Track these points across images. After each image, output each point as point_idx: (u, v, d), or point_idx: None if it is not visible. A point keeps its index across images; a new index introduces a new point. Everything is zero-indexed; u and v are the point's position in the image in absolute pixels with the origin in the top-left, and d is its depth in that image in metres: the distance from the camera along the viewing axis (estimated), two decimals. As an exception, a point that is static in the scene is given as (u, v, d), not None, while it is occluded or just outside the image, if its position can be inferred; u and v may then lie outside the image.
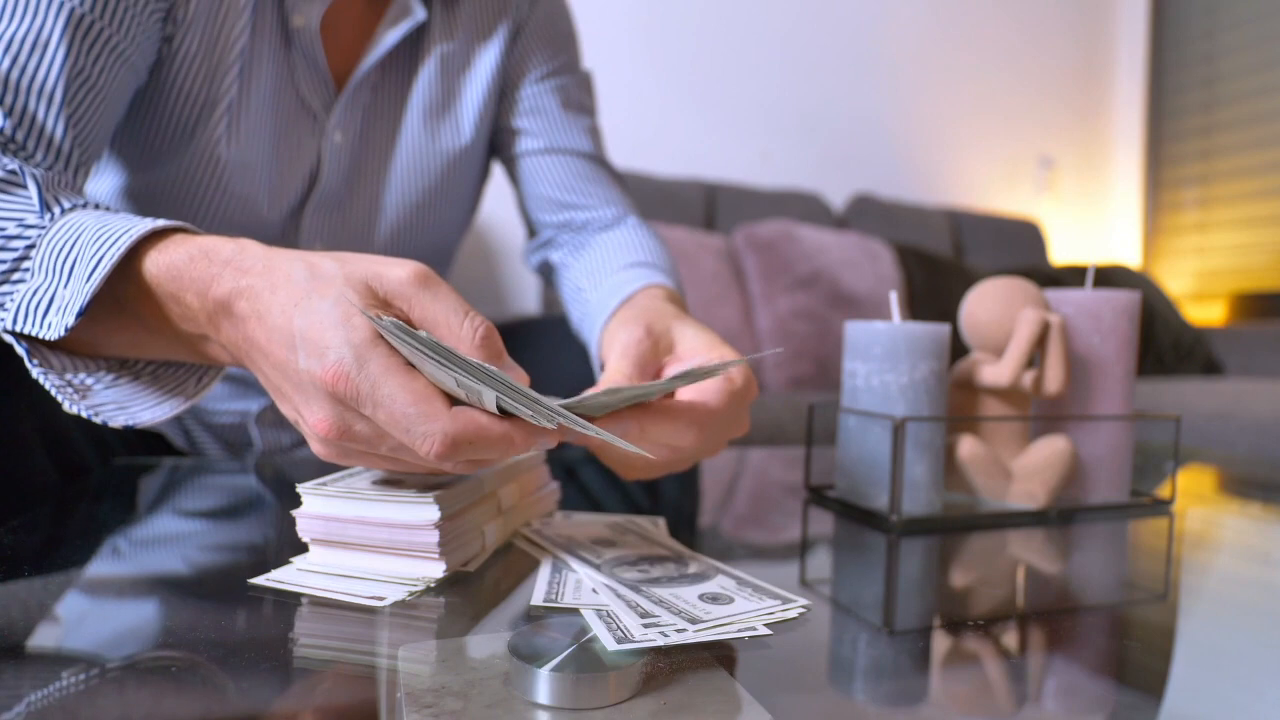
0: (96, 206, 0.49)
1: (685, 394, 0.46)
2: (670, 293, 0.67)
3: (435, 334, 0.37)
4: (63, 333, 0.42)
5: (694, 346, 0.50)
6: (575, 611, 0.35)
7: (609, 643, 0.30)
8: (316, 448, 0.38)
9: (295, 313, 0.36)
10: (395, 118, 0.76)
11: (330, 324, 0.35)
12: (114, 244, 0.42)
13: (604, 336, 0.62)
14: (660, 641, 0.31)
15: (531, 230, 0.87)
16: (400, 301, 0.37)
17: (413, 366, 0.35)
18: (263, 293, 0.38)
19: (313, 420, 0.36)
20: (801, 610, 0.36)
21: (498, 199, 1.35)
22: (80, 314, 0.42)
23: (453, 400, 0.35)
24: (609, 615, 0.34)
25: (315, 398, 0.36)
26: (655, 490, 0.65)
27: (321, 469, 0.40)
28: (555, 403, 0.35)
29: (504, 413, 0.35)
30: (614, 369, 0.48)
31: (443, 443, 0.34)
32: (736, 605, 0.36)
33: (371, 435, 0.36)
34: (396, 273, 0.37)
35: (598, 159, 0.84)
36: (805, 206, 2.32)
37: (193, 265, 0.41)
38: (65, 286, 0.43)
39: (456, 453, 0.34)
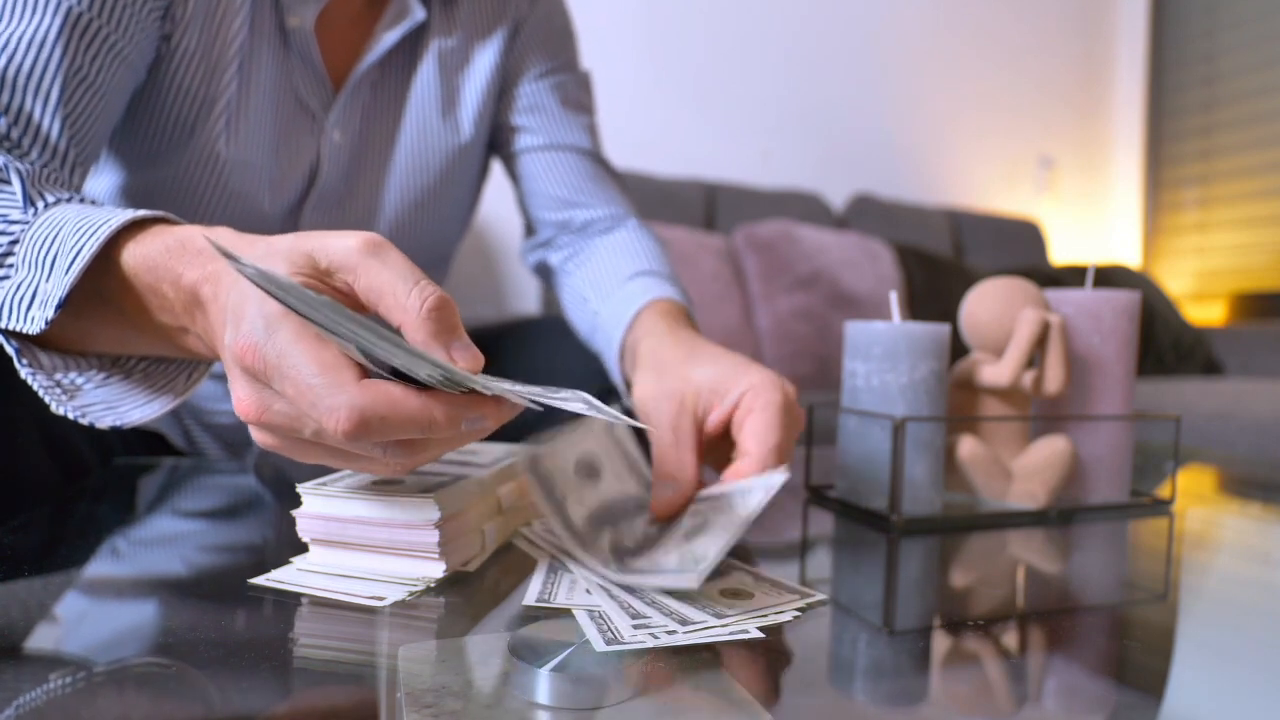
0: (82, 201, 0.48)
1: (744, 437, 0.46)
2: (675, 308, 0.67)
3: (381, 304, 0.34)
4: (44, 326, 0.42)
5: (716, 384, 0.49)
6: (568, 612, 0.35)
7: (598, 644, 0.30)
8: (255, 436, 0.36)
9: (231, 289, 0.35)
10: (395, 116, 0.76)
11: (252, 295, 0.33)
12: (92, 235, 0.41)
13: (627, 351, 0.64)
14: (650, 643, 0.31)
15: (530, 228, 0.87)
16: (345, 272, 0.34)
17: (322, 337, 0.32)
18: (223, 276, 0.37)
19: (235, 401, 0.34)
20: (821, 600, 0.37)
21: (497, 198, 1.35)
22: (59, 306, 0.41)
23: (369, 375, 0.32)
24: (600, 616, 0.34)
25: (235, 376, 0.34)
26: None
27: (321, 469, 0.40)
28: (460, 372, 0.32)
29: (423, 386, 0.32)
30: (668, 455, 0.47)
31: (349, 417, 0.30)
32: (758, 600, 0.36)
33: (290, 415, 0.33)
34: (343, 242, 0.34)
35: (597, 157, 0.84)
36: (805, 206, 2.32)
37: (169, 256, 0.40)
38: (47, 280, 0.42)
39: (368, 430, 0.31)
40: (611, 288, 0.75)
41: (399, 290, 0.33)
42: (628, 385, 0.58)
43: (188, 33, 0.63)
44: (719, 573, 0.40)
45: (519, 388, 0.33)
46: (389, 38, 0.71)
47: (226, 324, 0.34)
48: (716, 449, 0.50)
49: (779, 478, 0.40)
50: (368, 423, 0.31)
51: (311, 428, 0.33)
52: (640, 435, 0.55)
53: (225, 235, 0.40)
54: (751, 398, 0.47)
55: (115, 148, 0.68)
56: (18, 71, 0.53)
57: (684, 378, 0.50)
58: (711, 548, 0.36)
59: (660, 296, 0.69)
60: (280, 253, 0.35)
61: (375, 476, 0.43)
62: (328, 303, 0.30)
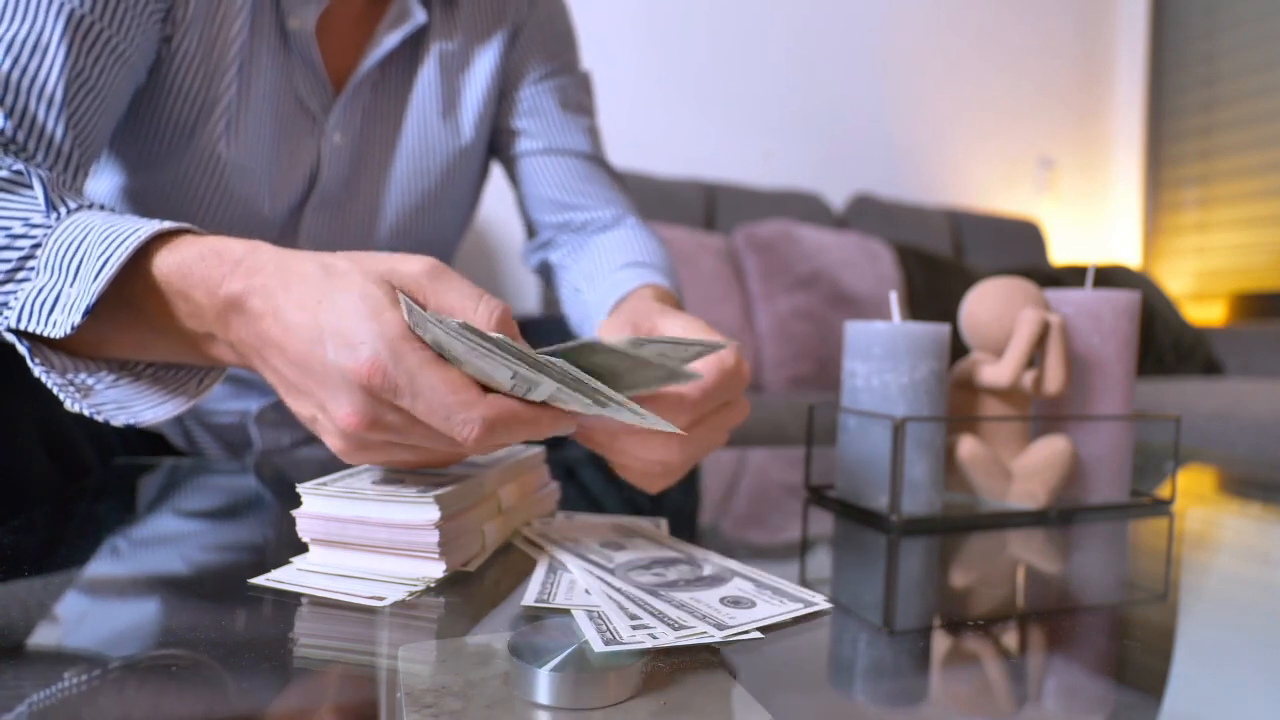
0: (102, 208, 0.49)
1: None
2: (661, 291, 0.67)
3: None
4: (69, 330, 0.42)
5: (679, 334, 0.50)
6: (567, 612, 0.35)
7: (597, 644, 0.30)
8: (334, 443, 0.39)
9: (319, 309, 0.37)
10: (395, 118, 0.76)
11: (359, 318, 0.36)
12: (123, 243, 0.42)
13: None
14: (649, 643, 0.31)
15: (531, 231, 0.87)
16: (415, 295, 0.38)
17: (442, 357, 0.36)
18: (277, 291, 0.39)
19: (340, 414, 0.37)
20: (824, 609, 0.36)
21: (498, 199, 1.35)
22: (87, 312, 0.42)
23: (481, 386, 0.37)
24: (599, 616, 0.34)
25: (344, 391, 0.36)
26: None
27: (321, 469, 0.40)
28: (595, 384, 0.37)
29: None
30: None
31: (482, 427, 0.36)
32: (759, 609, 0.36)
33: (402, 425, 0.37)
34: (409, 267, 0.38)
35: (597, 159, 0.84)
36: (805, 206, 2.32)
37: (204, 263, 0.41)
38: (71, 285, 0.43)
39: (493, 436, 0.36)
40: (601, 278, 0.75)
41: (467, 307, 0.38)
42: None
43: (188, 35, 0.63)
44: (721, 580, 0.40)
45: (630, 412, 0.37)
46: (390, 40, 0.71)
47: (324, 342, 0.36)
48: None
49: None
50: (494, 431, 0.36)
51: (419, 434, 0.37)
52: None
53: (265, 250, 0.41)
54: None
55: (115, 149, 0.68)
56: (21, 74, 0.53)
57: (648, 319, 0.51)
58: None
59: (649, 283, 0.69)
60: (354, 276, 0.37)
61: (375, 476, 0.43)
62: (529, 356, 0.35)
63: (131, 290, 0.43)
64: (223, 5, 0.64)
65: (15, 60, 0.53)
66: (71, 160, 0.55)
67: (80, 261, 0.43)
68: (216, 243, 0.42)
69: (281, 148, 0.70)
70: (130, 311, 0.45)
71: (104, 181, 0.71)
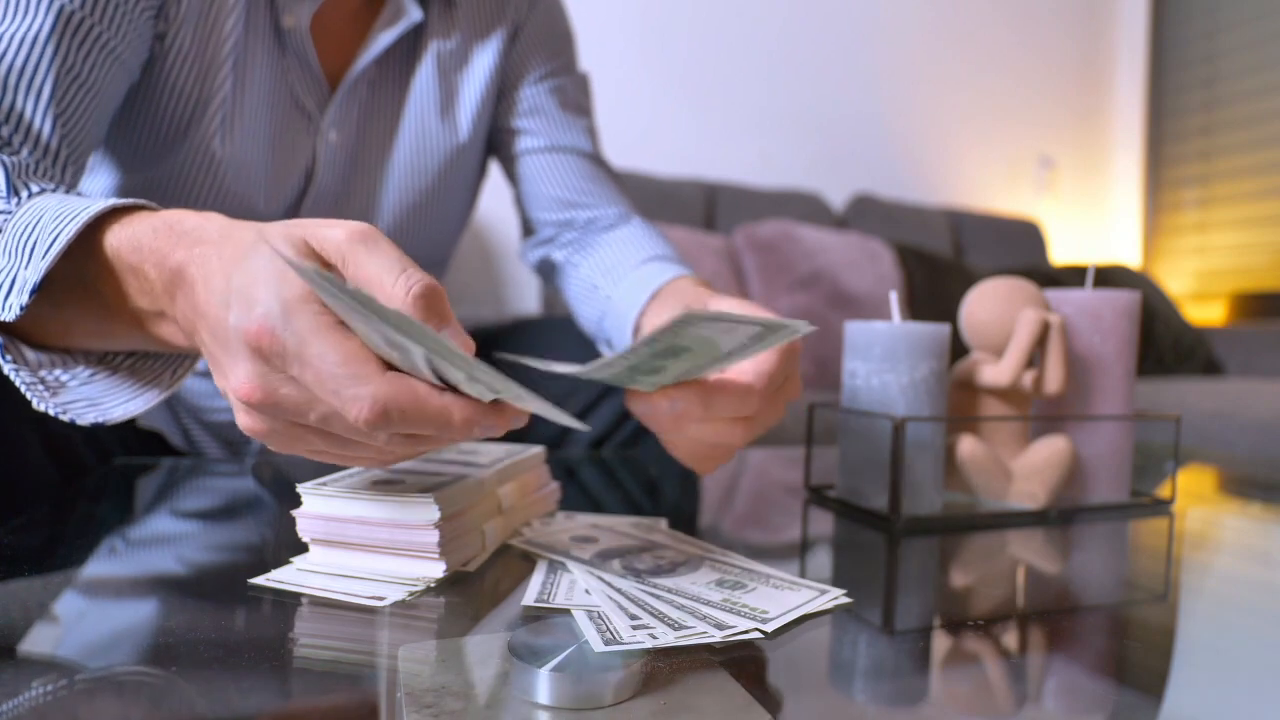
0: (68, 193, 0.48)
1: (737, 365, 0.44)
2: (700, 279, 0.68)
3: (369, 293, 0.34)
4: (19, 311, 0.41)
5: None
6: (567, 612, 0.35)
7: (596, 644, 0.30)
8: (242, 420, 0.35)
9: (233, 270, 0.34)
10: (392, 117, 0.76)
11: (263, 279, 0.33)
12: (72, 219, 0.41)
13: (642, 327, 0.61)
14: (649, 643, 0.31)
15: (529, 229, 0.87)
16: (335, 259, 0.35)
17: (347, 327, 0.33)
18: (211, 258, 0.36)
19: (236, 383, 0.34)
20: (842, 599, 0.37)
21: (497, 199, 1.35)
22: (34, 290, 0.41)
23: (390, 367, 0.33)
24: (599, 616, 0.34)
25: (240, 357, 0.33)
26: (655, 490, 0.65)
27: (321, 469, 0.40)
28: (499, 373, 0.32)
29: (446, 385, 0.33)
30: None
31: (372, 407, 0.31)
32: (787, 598, 0.36)
33: (299, 400, 0.33)
34: (334, 231, 0.35)
35: (597, 159, 0.84)
36: (805, 206, 2.32)
37: (155, 237, 0.39)
38: (26, 267, 0.42)
39: (388, 421, 0.32)
40: (624, 273, 0.74)
41: (385, 280, 0.34)
42: None
43: (181, 32, 0.63)
44: (724, 576, 0.40)
45: (539, 403, 0.33)
46: (385, 38, 0.71)
47: (230, 305, 0.33)
48: None
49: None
50: (389, 414, 0.31)
51: (320, 412, 0.33)
52: None
53: (216, 221, 0.39)
54: None
55: (110, 147, 0.68)
56: (9, 69, 0.53)
57: (699, 301, 0.49)
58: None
59: (679, 275, 0.69)
60: (279, 238, 0.35)
61: (375, 477, 0.43)
62: (402, 318, 0.30)
63: (86, 269, 0.42)
64: (216, 2, 0.64)
65: (3, 56, 0.53)
66: (60, 156, 0.55)
67: (34, 242, 0.42)
68: (171, 215, 0.40)
69: (277, 145, 0.70)
70: (85, 291, 0.43)
71: (99, 180, 0.71)
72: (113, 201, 0.42)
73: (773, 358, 0.43)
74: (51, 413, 0.44)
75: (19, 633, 0.33)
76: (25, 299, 0.41)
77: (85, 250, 0.42)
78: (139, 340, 0.45)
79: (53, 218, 0.42)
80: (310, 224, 0.36)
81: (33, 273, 0.41)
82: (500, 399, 0.33)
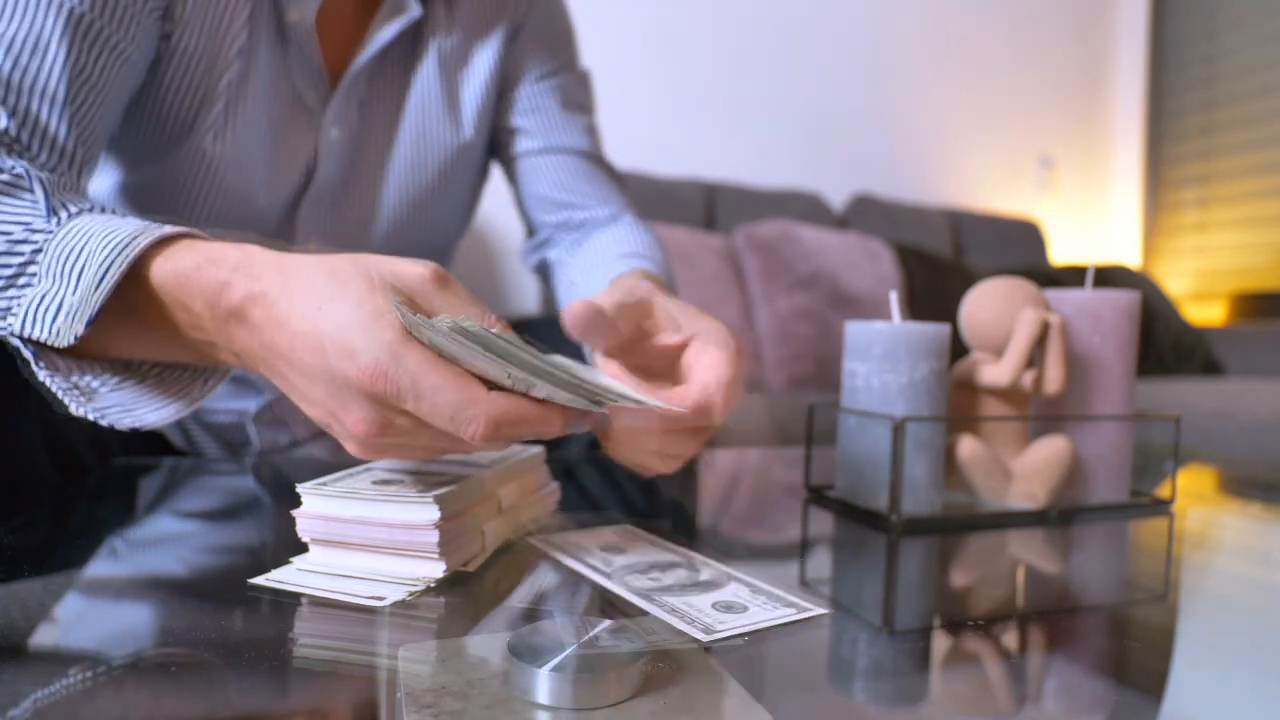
0: (103, 210, 0.49)
1: (697, 367, 0.45)
2: (652, 275, 0.67)
3: None
4: (72, 340, 0.43)
5: (672, 313, 0.49)
6: (568, 612, 0.35)
7: (596, 644, 0.30)
8: (353, 448, 0.39)
9: (319, 317, 0.37)
10: (394, 114, 0.76)
11: (358, 326, 0.36)
12: (122, 251, 0.42)
13: None
14: (645, 645, 0.31)
15: (530, 230, 0.87)
16: (419, 300, 0.38)
17: (442, 357, 0.36)
18: (279, 299, 0.38)
19: (351, 421, 0.37)
20: (819, 615, 0.36)
21: (497, 199, 1.34)
22: (90, 323, 0.42)
23: (487, 383, 0.37)
24: (600, 616, 0.34)
25: (352, 399, 0.37)
26: (654, 491, 0.65)
27: (321, 469, 0.40)
28: (598, 379, 0.37)
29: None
30: (604, 301, 0.46)
31: (486, 424, 0.35)
32: (751, 614, 0.36)
33: (412, 428, 0.37)
34: (414, 270, 0.39)
35: (596, 158, 0.84)
36: (805, 206, 2.32)
37: (200, 273, 0.41)
38: (74, 292, 0.43)
39: (498, 434, 0.36)
40: (598, 269, 0.75)
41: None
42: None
43: (188, 31, 0.63)
44: (717, 585, 0.40)
45: (638, 399, 0.38)
46: (385, 33, 0.71)
47: (325, 351, 0.36)
48: (650, 368, 0.49)
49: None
50: (500, 428, 0.36)
51: (429, 434, 0.37)
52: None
53: (262, 257, 0.41)
54: (710, 336, 0.47)
55: (112, 146, 0.68)
56: (23, 73, 0.53)
57: (640, 289, 0.51)
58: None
59: (638, 269, 0.69)
60: (357, 281, 0.37)
61: (375, 476, 0.43)
62: (522, 357, 0.36)
63: (132, 298, 0.43)
64: (222, 1, 0.64)
65: (15, 60, 0.53)
66: (75, 159, 0.55)
67: (82, 268, 0.43)
68: (212, 249, 0.42)
69: (278, 142, 0.70)
70: (131, 316, 0.45)
71: (101, 179, 0.71)
72: (158, 232, 0.43)
73: (728, 366, 0.45)
74: (91, 417, 0.45)
75: (19, 633, 0.33)
76: (81, 329, 0.42)
77: (131, 280, 0.43)
78: (185, 356, 0.47)
79: (100, 245, 0.43)
80: (387, 262, 0.39)
81: (82, 301, 0.42)
82: (598, 399, 0.38)
